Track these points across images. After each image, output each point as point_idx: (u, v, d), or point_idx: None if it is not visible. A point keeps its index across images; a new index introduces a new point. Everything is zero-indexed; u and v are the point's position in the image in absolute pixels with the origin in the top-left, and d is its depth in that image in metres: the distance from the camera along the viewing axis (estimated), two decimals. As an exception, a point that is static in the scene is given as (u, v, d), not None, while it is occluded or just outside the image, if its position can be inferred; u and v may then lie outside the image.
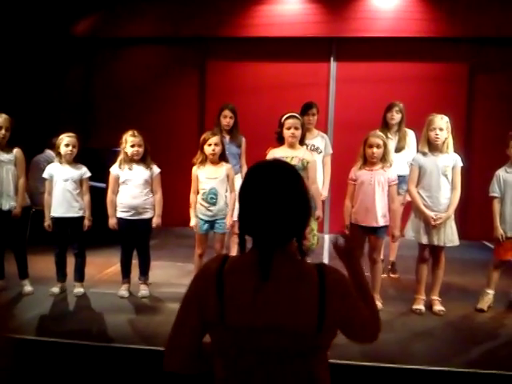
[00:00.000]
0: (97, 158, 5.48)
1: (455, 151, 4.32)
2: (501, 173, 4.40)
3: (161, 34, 7.30)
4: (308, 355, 1.47)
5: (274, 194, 1.48)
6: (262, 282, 1.44)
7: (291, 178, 1.53)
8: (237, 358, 1.47)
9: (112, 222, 4.63)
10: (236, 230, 5.47)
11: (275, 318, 1.43)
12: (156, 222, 4.64)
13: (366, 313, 1.59)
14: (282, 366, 1.45)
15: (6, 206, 4.58)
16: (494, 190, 4.40)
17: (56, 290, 4.67)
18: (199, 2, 7.09)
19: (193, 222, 4.58)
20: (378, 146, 4.28)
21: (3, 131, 4.50)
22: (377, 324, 1.63)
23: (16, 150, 4.63)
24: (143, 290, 4.69)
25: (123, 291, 4.67)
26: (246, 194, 1.53)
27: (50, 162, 4.76)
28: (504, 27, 6.54)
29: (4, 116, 4.53)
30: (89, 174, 4.73)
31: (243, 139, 5.40)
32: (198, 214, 4.57)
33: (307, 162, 4.34)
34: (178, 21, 7.15)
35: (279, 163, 1.59)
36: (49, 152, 5.79)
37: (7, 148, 4.60)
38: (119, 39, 7.41)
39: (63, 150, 4.58)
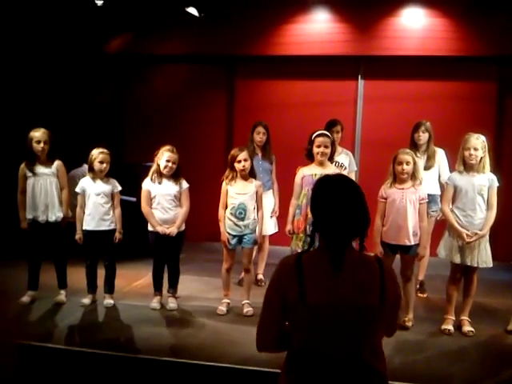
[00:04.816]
0: (128, 173, 5.58)
1: (488, 171, 4.30)
2: None
3: (191, 52, 7.42)
4: (373, 326, 1.84)
5: (345, 203, 1.88)
6: (337, 269, 1.84)
7: (356, 189, 1.93)
8: (313, 331, 1.83)
9: (160, 228, 4.62)
10: (266, 246, 5.53)
11: (350, 296, 1.81)
12: (171, 231, 4.63)
13: (397, 316, 2.07)
14: (350, 336, 1.82)
15: (52, 218, 4.73)
16: None
17: (87, 301, 4.76)
18: (229, 21, 7.20)
19: (223, 237, 4.60)
20: (407, 163, 4.29)
21: (42, 144, 4.66)
22: (396, 326, 2.10)
23: (57, 163, 4.79)
24: (171, 303, 4.74)
25: (155, 303, 4.73)
26: (321, 203, 1.92)
27: (85, 175, 4.88)
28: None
29: (42, 130, 4.70)
30: (120, 188, 4.83)
31: (273, 156, 5.48)
32: (226, 228, 4.61)
33: (336, 180, 4.35)
34: (208, 39, 7.26)
35: (344, 177, 2.02)
36: (86, 166, 5.94)
37: (48, 161, 4.75)
38: (150, 56, 7.55)
39: (97, 166, 4.69)
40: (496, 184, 4.25)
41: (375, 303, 1.83)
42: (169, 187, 4.69)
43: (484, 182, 4.22)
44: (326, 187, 1.95)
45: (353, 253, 1.89)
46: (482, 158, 4.20)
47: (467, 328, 4.27)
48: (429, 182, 4.94)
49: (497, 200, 4.26)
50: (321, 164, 4.45)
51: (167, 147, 4.65)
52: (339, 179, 1.98)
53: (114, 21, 7.24)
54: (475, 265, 4.23)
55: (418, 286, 5.22)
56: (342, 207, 1.87)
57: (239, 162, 4.55)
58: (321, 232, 1.92)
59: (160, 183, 4.68)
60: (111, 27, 7.38)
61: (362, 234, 1.92)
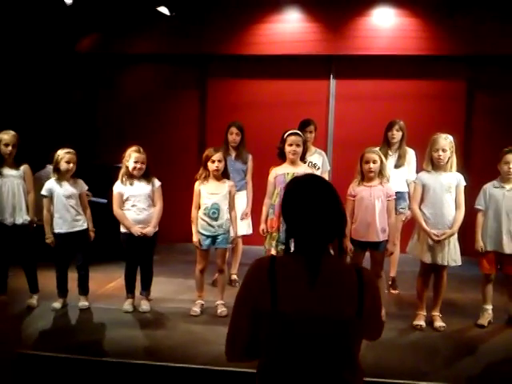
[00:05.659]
0: (100, 174, 5.52)
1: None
2: (488, 187, 4.46)
3: (163, 52, 7.37)
4: (350, 340, 1.71)
5: (318, 203, 1.74)
6: (312, 277, 1.69)
7: (328, 187, 1.80)
8: (285, 343, 1.69)
9: (135, 229, 4.57)
10: (239, 246, 5.52)
11: (325, 308, 1.68)
12: (148, 231, 4.59)
13: (380, 320, 1.96)
14: (325, 350, 1.68)
15: (19, 220, 4.67)
16: (480, 203, 4.47)
17: (57, 305, 4.68)
18: (201, 20, 7.17)
19: (195, 238, 4.59)
20: (374, 162, 4.35)
21: (10, 148, 4.59)
22: (382, 329, 1.95)
23: (24, 166, 4.73)
24: (144, 305, 4.70)
25: (128, 306, 4.69)
26: (292, 207, 1.78)
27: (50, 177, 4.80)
28: (502, 45, 6.60)
29: (12, 133, 4.63)
30: (86, 187, 4.79)
31: (250, 156, 5.47)
32: (199, 229, 4.58)
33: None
34: (180, 38, 7.22)
35: (314, 177, 1.90)
36: (49, 167, 5.83)
37: (15, 164, 4.69)
38: (122, 56, 7.47)
39: (64, 166, 4.60)
40: (463, 183, 4.33)
41: (352, 317, 1.69)
42: (142, 187, 4.64)
43: (451, 180, 4.30)
44: (296, 189, 1.81)
45: (330, 260, 1.75)
46: (449, 158, 4.27)
47: (438, 323, 4.35)
48: (398, 180, 5.00)
49: (466, 197, 4.34)
50: (292, 163, 4.47)
51: (133, 148, 4.60)
52: (309, 179, 1.84)
53: (84, 20, 7.13)
54: (445, 263, 4.29)
55: (390, 283, 5.29)
56: (315, 209, 1.73)
57: (213, 161, 4.53)
58: (295, 237, 1.79)
59: (132, 184, 4.62)
60: (82, 27, 7.27)
61: (340, 235, 1.80)
